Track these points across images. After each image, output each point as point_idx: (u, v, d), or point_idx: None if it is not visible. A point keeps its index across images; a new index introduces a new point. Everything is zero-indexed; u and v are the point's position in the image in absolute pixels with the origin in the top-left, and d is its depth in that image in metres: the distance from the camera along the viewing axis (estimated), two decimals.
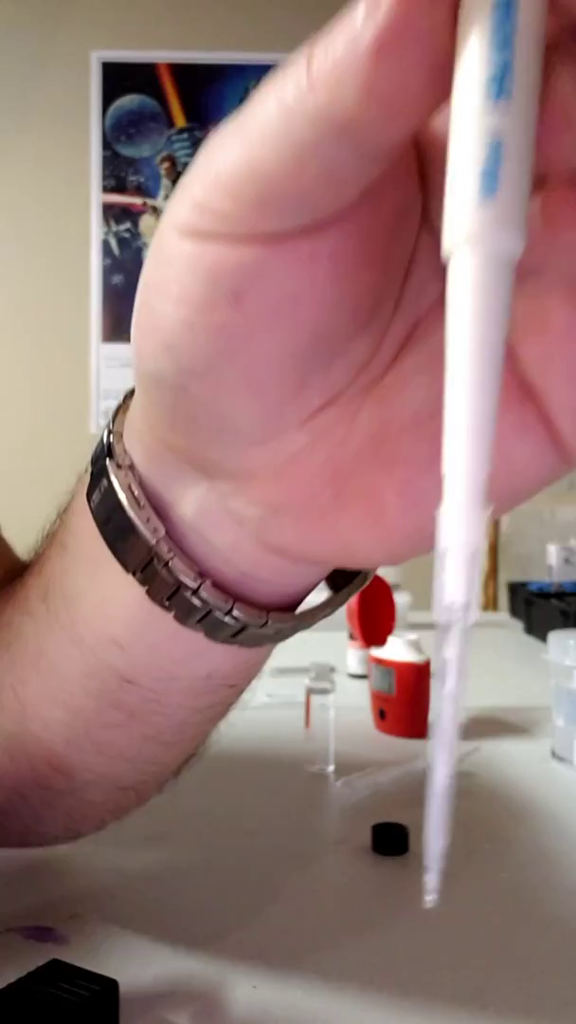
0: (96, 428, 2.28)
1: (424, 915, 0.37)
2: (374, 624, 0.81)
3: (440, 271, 0.20)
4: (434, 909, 0.38)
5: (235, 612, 0.26)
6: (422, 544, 0.22)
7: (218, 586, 0.26)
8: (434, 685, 0.17)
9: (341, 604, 0.30)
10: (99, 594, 0.28)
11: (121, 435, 0.27)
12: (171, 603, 0.26)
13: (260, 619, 0.27)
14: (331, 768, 0.56)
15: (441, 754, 0.17)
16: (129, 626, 0.28)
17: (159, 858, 0.37)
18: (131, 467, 0.26)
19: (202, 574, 0.26)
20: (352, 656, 0.90)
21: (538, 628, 1.18)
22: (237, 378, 0.21)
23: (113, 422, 0.27)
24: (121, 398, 0.28)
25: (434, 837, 0.18)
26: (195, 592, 0.26)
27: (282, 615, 0.27)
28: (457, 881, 0.41)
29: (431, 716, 0.19)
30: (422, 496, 0.22)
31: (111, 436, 0.27)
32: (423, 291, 0.22)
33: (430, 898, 0.19)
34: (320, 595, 0.30)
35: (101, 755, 0.31)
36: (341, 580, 0.30)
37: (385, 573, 1.04)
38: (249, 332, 0.20)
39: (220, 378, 0.21)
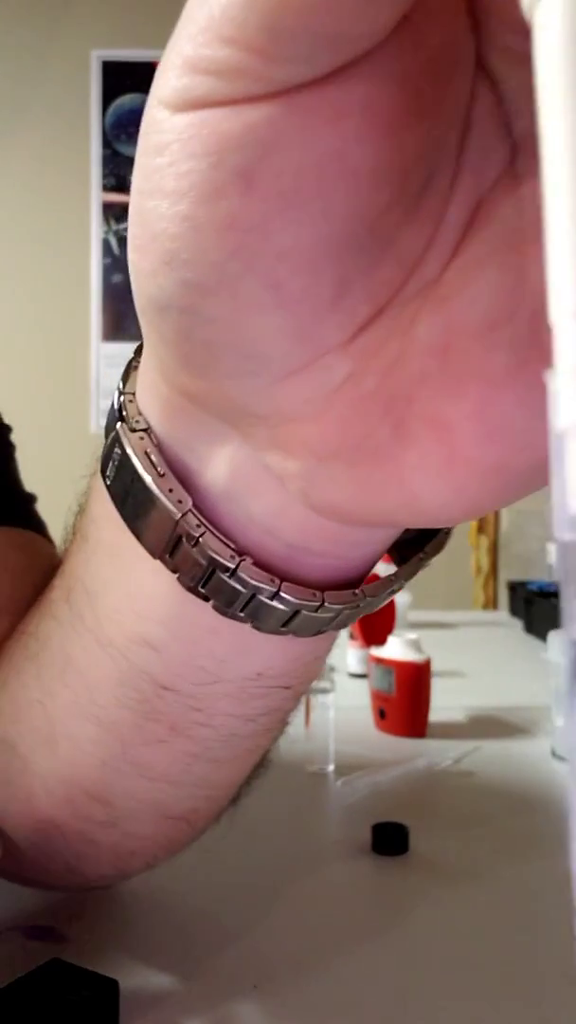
0: (96, 428, 2.29)
1: (424, 914, 0.37)
2: (374, 623, 0.81)
3: (506, 134, 0.17)
4: (434, 909, 0.38)
5: (283, 594, 0.22)
6: (507, 486, 0.18)
7: (261, 565, 0.22)
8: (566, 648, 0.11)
9: (411, 575, 0.25)
10: (125, 587, 0.25)
11: (134, 396, 0.23)
12: (207, 589, 0.23)
13: (314, 600, 0.23)
14: (331, 768, 0.56)
15: None
16: (162, 622, 0.24)
17: None
18: (147, 431, 0.22)
19: (241, 552, 0.22)
20: (352, 655, 0.90)
21: (538, 627, 1.18)
22: (258, 287, 0.17)
23: (124, 383, 0.23)
24: (132, 355, 0.24)
25: None
26: (233, 573, 0.22)
27: (340, 594, 0.23)
28: (457, 880, 0.41)
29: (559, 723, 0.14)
30: (503, 420, 0.17)
31: (123, 398, 0.23)
32: (486, 160, 0.17)
33: None
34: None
35: (142, 778, 0.28)
36: (408, 551, 0.25)
37: (385, 573, 1.04)
38: (266, 223, 0.16)
39: (236, 290, 0.17)
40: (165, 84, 0.16)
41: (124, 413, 0.23)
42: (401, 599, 1.09)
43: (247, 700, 0.26)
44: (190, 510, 0.22)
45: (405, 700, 0.65)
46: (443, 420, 0.18)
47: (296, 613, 0.23)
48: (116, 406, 0.23)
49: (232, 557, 0.22)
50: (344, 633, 0.91)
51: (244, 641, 0.24)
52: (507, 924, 0.37)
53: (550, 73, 0.12)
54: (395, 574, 0.25)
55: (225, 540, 0.22)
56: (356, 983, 0.32)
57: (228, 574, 0.22)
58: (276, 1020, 0.30)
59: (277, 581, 0.22)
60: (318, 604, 0.23)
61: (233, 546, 0.22)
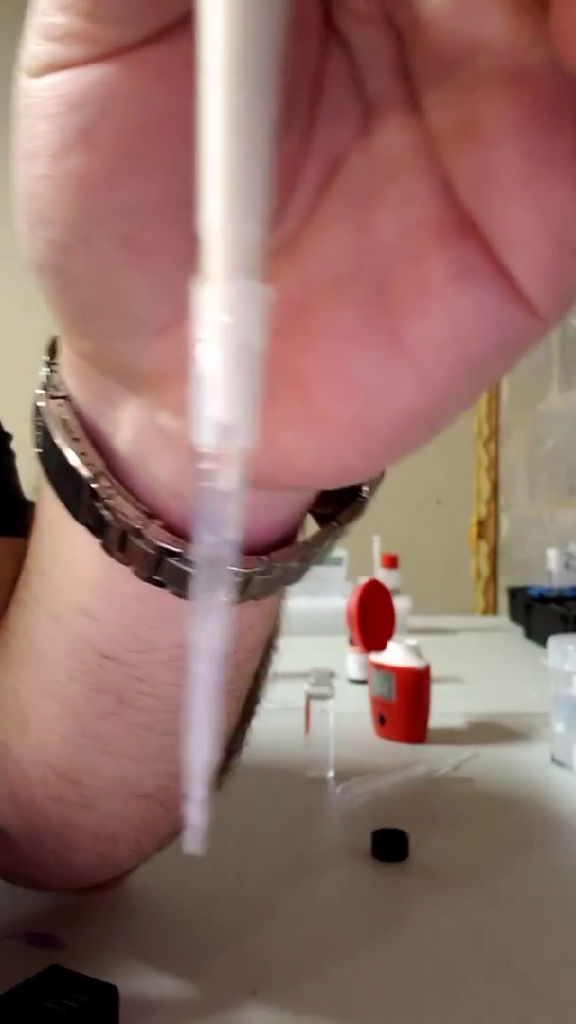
0: None
1: (424, 921, 0.37)
2: (374, 629, 0.81)
3: (358, 94, 0.17)
4: (434, 915, 0.38)
5: (190, 556, 0.23)
6: (370, 443, 0.19)
7: (172, 529, 0.23)
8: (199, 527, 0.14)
9: (323, 543, 0.26)
10: (65, 558, 0.26)
11: (59, 365, 0.24)
12: (125, 554, 0.24)
13: None
14: (331, 774, 0.56)
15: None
16: (95, 589, 0.26)
17: (158, 864, 0.37)
18: (67, 398, 0.23)
19: (151, 514, 0.23)
20: (352, 661, 0.90)
21: (538, 633, 1.18)
22: (111, 244, 0.18)
23: (51, 354, 0.24)
24: None
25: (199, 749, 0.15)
26: (141, 535, 0.23)
27: (246, 559, 0.24)
28: (457, 886, 0.41)
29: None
30: (354, 375, 0.18)
31: (48, 367, 0.24)
32: (339, 120, 0.18)
33: (192, 844, 0.16)
34: None
35: (103, 753, 0.29)
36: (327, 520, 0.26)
37: (385, 578, 1.04)
38: (111, 180, 0.17)
39: (93, 246, 0.18)
40: (24, 52, 0.17)
41: (48, 382, 0.24)
42: (401, 604, 1.09)
43: (185, 669, 0.26)
44: (102, 473, 0.23)
45: (405, 706, 0.65)
46: (299, 377, 0.18)
47: None
48: (43, 376, 0.24)
49: (139, 518, 0.23)
50: (344, 638, 0.91)
51: (169, 608, 0.25)
52: (507, 930, 0.37)
53: None
54: (306, 541, 0.25)
55: (134, 502, 0.23)
56: (356, 989, 0.32)
57: (138, 535, 0.23)
58: None
59: (183, 543, 0.23)
60: None
61: (142, 508, 0.23)
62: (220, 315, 0.13)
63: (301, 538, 0.26)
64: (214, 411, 0.13)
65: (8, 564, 0.34)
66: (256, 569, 0.24)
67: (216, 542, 0.14)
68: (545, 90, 0.15)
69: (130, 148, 0.17)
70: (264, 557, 0.24)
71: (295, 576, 0.25)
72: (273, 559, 0.24)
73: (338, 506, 0.26)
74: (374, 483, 0.26)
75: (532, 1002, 0.32)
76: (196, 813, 0.15)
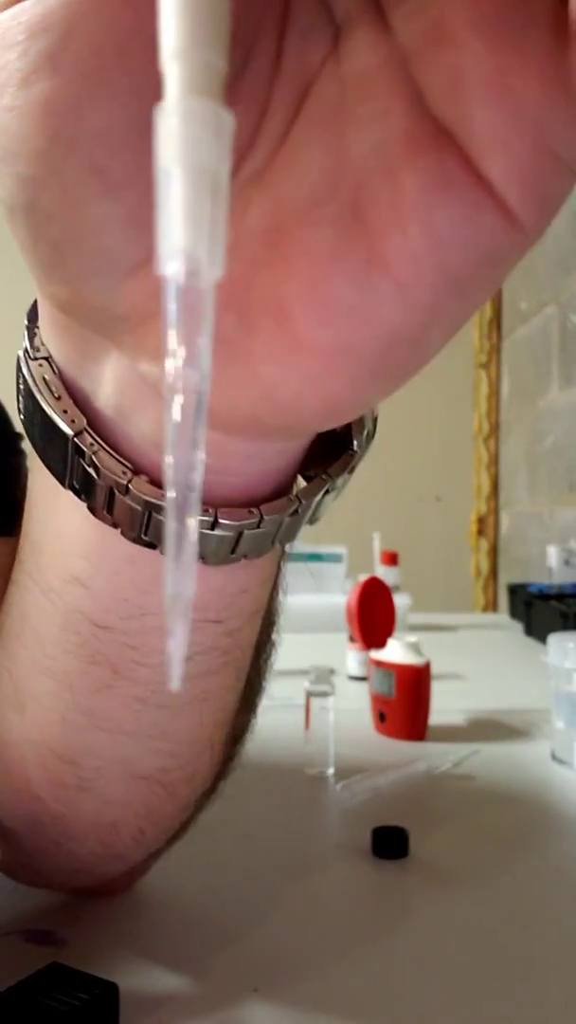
0: None
1: (425, 919, 0.37)
2: (374, 626, 0.81)
3: (328, 18, 0.17)
4: (434, 912, 0.38)
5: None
6: (356, 369, 0.18)
7: (157, 483, 0.23)
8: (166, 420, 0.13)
9: (314, 495, 0.25)
10: (55, 526, 0.26)
11: (38, 327, 0.24)
12: (113, 514, 0.23)
13: (207, 517, 0.23)
14: (331, 771, 0.56)
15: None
16: (86, 556, 0.25)
17: (159, 861, 0.37)
18: (48, 359, 0.23)
19: (136, 471, 0.23)
20: (352, 658, 0.90)
21: (538, 630, 1.18)
22: (82, 172, 0.17)
23: (32, 318, 0.24)
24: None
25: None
26: (127, 491, 0.23)
27: (234, 511, 0.23)
28: (457, 884, 0.41)
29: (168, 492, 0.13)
30: (334, 297, 0.17)
31: (28, 331, 0.24)
32: (309, 43, 0.17)
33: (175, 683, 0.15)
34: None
35: (99, 730, 0.29)
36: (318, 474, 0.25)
37: (385, 575, 1.04)
38: (78, 104, 0.16)
39: (63, 178, 0.17)
40: None
41: (29, 344, 0.23)
42: (401, 601, 1.09)
43: None
44: (84, 429, 0.22)
45: (405, 703, 0.65)
46: (279, 303, 0.18)
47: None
48: (24, 338, 0.24)
49: (125, 474, 0.22)
50: (344, 636, 0.91)
51: (160, 570, 0.25)
52: (508, 927, 0.37)
53: None
54: (296, 494, 0.25)
55: (118, 457, 0.22)
56: (356, 986, 0.32)
57: (123, 492, 0.22)
58: (277, 1023, 0.30)
59: None
60: (211, 521, 0.23)
61: (127, 464, 0.23)
62: (179, 138, 0.12)
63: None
64: (176, 238, 0.12)
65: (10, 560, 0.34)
66: (246, 522, 0.23)
67: (183, 464, 0.14)
68: None
69: (96, 70, 0.16)
70: (254, 509, 0.24)
71: (287, 533, 0.25)
72: (264, 511, 0.24)
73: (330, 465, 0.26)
74: (365, 439, 0.26)
75: (533, 999, 0.32)
76: (176, 646, 0.15)
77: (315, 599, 1.39)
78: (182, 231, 0.12)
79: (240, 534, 0.24)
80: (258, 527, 0.24)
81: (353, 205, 0.17)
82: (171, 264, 0.13)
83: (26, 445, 0.44)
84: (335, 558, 1.48)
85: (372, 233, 0.17)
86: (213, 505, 0.23)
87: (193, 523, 0.14)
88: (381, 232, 0.17)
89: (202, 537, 0.23)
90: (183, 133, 0.12)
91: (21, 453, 0.44)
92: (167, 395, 0.14)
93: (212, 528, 0.23)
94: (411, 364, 0.19)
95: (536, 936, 0.36)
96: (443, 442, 2.47)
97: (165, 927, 0.36)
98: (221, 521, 0.23)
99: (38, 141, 0.17)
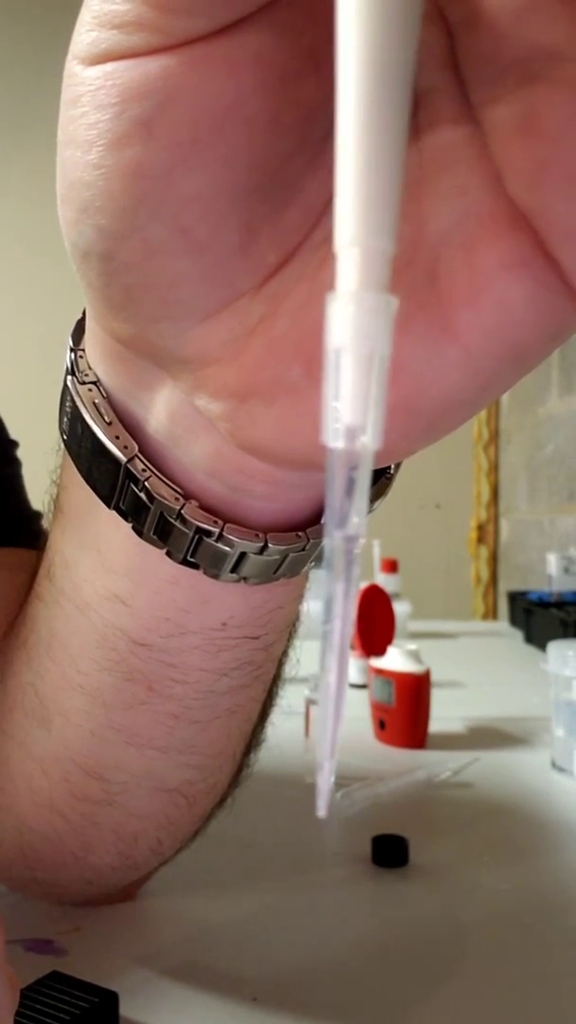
0: None
1: (424, 927, 0.37)
2: (374, 634, 0.81)
3: None
4: (434, 921, 0.38)
5: (227, 535, 0.23)
6: (414, 424, 0.19)
7: (207, 509, 0.23)
8: (329, 528, 0.14)
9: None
10: (95, 545, 0.26)
11: (84, 351, 0.24)
12: (159, 535, 0.24)
13: (257, 541, 0.24)
14: (331, 779, 0.56)
15: (332, 661, 0.16)
16: (127, 575, 0.26)
17: (159, 871, 0.37)
18: (96, 383, 0.23)
19: (187, 495, 0.23)
20: (352, 666, 0.90)
21: (538, 637, 1.18)
22: (167, 232, 0.18)
23: (76, 340, 0.24)
24: (82, 313, 0.25)
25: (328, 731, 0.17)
26: (179, 515, 0.23)
27: (283, 536, 0.24)
28: (457, 892, 0.41)
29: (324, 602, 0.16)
30: (403, 361, 0.18)
31: (73, 353, 0.24)
32: None
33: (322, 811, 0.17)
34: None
35: (130, 746, 0.29)
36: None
37: (385, 583, 1.04)
38: (170, 170, 0.17)
39: (147, 235, 0.18)
40: (78, 39, 0.17)
41: (75, 368, 0.24)
42: (401, 609, 1.09)
43: (216, 653, 0.27)
44: (136, 455, 0.23)
45: (405, 711, 0.65)
46: None
47: (243, 556, 0.24)
48: (68, 362, 0.24)
49: (177, 499, 0.23)
50: None
51: (203, 590, 0.25)
52: (508, 936, 0.37)
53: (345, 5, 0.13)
54: None
55: (170, 483, 0.23)
56: (356, 995, 0.32)
57: (174, 517, 0.23)
58: None
59: (220, 522, 0.23)
60: (261, 545, 0.24)
61: (178, 489, 0.23)
62: (354, 324, 0.13)
63: None
64: (344, 416, 0.13)
65: (18, 574, 0.34)
66: (294, 546, 0.24)
67: (345, 532, 0.14)
68: None
69: (190, 140, 0.17)
70: (301, 534, 0.24)
71: (299, 566, 0.26)
72: (311, 535, 0.24)
73: None
74: (395, 465, 0.27)
75: (533, 1008, 0.32)
76: (324, 779, 0.17)
77: (315, 606, 1.38)
78: (350, 411, 0.13)
79: (285, 556, 0.24)
80: (303, 550, 0.24)
81: (429, 273, 0.17)
82: (339, 441, 0.14)
83: (20, 453, 0.44)
84: None
85: (446, 302, 0.17)
86: (263, 530, 0.24)
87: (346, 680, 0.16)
88: (455, 303, 0.17)
89: (250, 561, 0.24)
90: (357, 320, 0.13)
91: (16, 462, 0.44)
92: (325, 628, 0.15)
93: (261, 552, 0.24)
94: (464, 419, 0.20)
95: (537, 944, 0.36)
96: (443, 449, 2.47)
97: (165, 936, 0.36)
98: (271, 546, 0.24)
99: (124, 200, 0.17)
